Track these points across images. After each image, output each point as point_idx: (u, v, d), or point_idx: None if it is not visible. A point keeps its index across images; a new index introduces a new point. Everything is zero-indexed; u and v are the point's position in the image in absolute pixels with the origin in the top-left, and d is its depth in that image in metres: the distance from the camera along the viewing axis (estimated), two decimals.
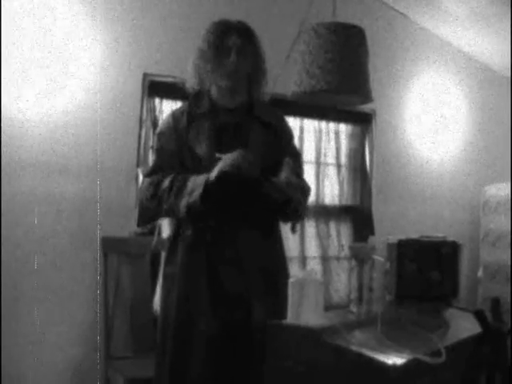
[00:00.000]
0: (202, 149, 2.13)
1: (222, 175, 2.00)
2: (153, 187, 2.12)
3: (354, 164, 4.09)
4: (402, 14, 4.17)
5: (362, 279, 2.12)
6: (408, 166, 4.31)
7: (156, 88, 3.17)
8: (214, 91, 2.23)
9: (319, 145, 3.89)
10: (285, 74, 2.84)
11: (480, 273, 4.43)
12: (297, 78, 2.38)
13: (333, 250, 3.93)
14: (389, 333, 1.75)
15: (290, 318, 1.84)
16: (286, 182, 2.02)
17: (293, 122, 3.71)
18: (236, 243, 2.11)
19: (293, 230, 2.29)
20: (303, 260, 3.80)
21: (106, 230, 2.99)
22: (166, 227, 2.98)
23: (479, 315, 1.91)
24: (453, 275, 2.44)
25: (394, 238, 2.39)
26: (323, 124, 3.91)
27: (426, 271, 2.37)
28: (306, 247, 3.82)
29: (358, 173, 4.11)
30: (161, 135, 2.24)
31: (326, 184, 3.94)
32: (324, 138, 3.91)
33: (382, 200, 4.12)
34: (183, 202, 2.04)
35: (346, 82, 2.31)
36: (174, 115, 2.24)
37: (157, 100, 3.23)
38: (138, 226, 3.08)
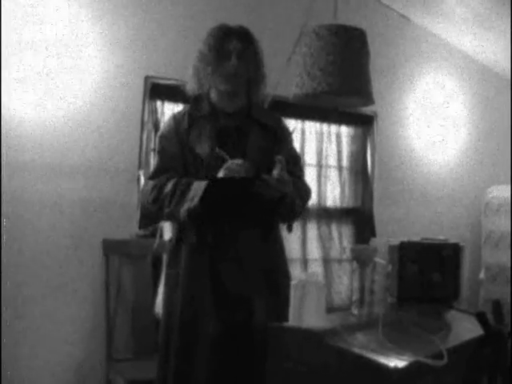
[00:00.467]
0: (203, 150, 2.15)
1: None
2: (155, 190, 2.13)
3: (355, 166, 4.09)
4: (403, 15, 4.17)
5: (364, 281, 2.12)
6: (409, 167, 4.31)
7: (158, 90, 3.18)
8: (213, 95, 2.24)
9: (320, 147, 3.90)
10: (286, 76, 2.84)
11: (482, 275, 4.42)
12: (298, 80, 2.38)
13: (334, 252, 3.93)
14: (390, 335, 1.75)
15: (292, 320, 1.84)
16: (276, 179, 2.03)
17: (294, 124, 3.72)
18: (236, 244, 2.12)
19: (289, 228, 2.28)
20: (305, 262, 3.80)
21: (108, 231, 2.99)
22: (167, 229, 2.98)
23: (481, 317, 1.91)
24: (454, 277, 2.44)
25: (395, 240, 2.38)
26: (324, 126, 3.91)
27: (427, 273, 2.37)
28: (307, 249, 3.82)
29: (360, 175, 4.11)
30: (162, 138, 2.25)
31: (327, 186, 3.93)
32: (325, 140, 3.91)
33: (384, 202, 4.12)
34: (185, 207, 2.05)
35: (348, 84, 2.31)
36: (175, 118, 2.25)
37: (158, 102, 3.23)
38: (140, 228, 3.08)
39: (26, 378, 2.83)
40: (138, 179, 3.09)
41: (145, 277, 3.02)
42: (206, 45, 2.19)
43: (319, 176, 3.88)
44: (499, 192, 4.45)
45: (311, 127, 3.85)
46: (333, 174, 3.97)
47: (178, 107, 3.07)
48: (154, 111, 3.21)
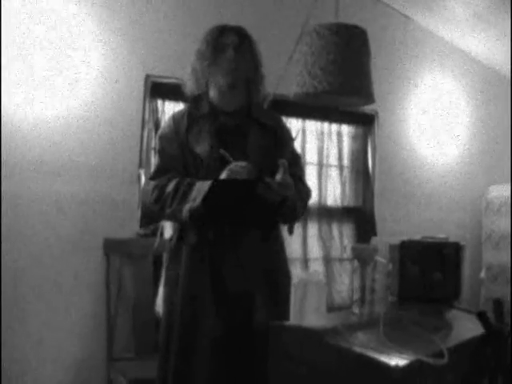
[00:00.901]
0: (202, 149, 2.15)
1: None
2: (157, 190, 2.13)
3: (356, 165, 4.09)
4: (403, 15, 4.17)
5: (365, 280, 2.13)
6: (410, 167, 4.31)
7: (158, 89, 3.18)
8: (212, 94, 2.25)
9: (321, 146, 3.89)
10: (287, 75, 2.85)
11: (482, 274, 4.42)
12: (299, 79, 2.38)
13: (335, 252, 3.93)
14: (391, 334, 1.75)
15: (293, 319, 1.84)
16: (278, 183, 2.04)
17: (295, 124, 3.72)
18: (237, 244, 2.12)
19: (290, 231, 2.30)
20: (306, 261, 3.80)
21: (109, 231, 2.99)
22: (168, 228, 2.99)
23: (482, 316, 1.90)
24: (455, 276, 2.44)
25: (396, 240, 2.39)
26: (325, 125, 3.91)
27: (428, 272, 2.37)
28: (308, 248, 3.82)
29: (361, 174, 4.10)
30: (162, 138, 2.26)
31: (328, 185, 3.93)
32: (326, 139, 3.91)
33: (385, 201, 4.12)
34: (186, 207, 2.05)
35: (348, 83, 2.32)
36: (175, 118, 2.26)
37: (159, 101, 3.23)
38: (141, 227, 3.08)
39: (27, 377, 2.83)
40: (139, 178, 3.09)
41: (146, 276, 3.02)
42: (204, 42, 2.21)
43: (320, 175, 3.88)
44: (500, 191, 4.44)
45: (312, 126, 3.85)
46: (334, 173, 3.97)
47: (178, 106, 3.07)
48: (154, 110, 3.21)
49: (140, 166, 3.11)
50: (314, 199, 3.71)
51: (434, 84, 4.45)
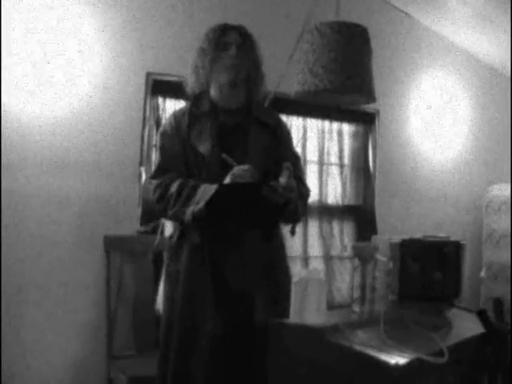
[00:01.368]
0: (204, 147, 2.15)
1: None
2: (160, 190, 2.13)
3: (357, 164, 4.09)
4: (405, 13, 4.16)
5: (365, 279, 2.13)
6: (411, 165, 4.31)
7: (159, 87, 3.17)
8: (213, 92, 2.25)
9: (322, 144, 3.89)
10: (288, 73, 2.84)
11: (483, 273, 4.43)
12: (300, 77, 2.38)
13: (336, 250, 3.93)
14: (391, 332, 1.75)
15: (293, 317, 1.84)
16: (283, 186, 2.04)
17: (296, 122, 3.72)
18: (237, 242, 2.12)
19: (292, 232, 2.33)
20: (306, 259, 3.80)
21: (109, 228, 2.99)
22: (168, 226, 2.98)
23: (482, 315, 1.91)
24: (455, 275, 2.44)
25: (396, 238, 2.39)
26: (326, 124, 3.91)
27: (428, 271, 2.37)
28: (308, 247, 3.82)
29: (361, 172, 4.10)
30: (163, 136, 2.26)
31: (329, 184, 3.93)
32: (327, 137, 3.91)
33: (385, 200, 4.12)
34: (189, 210, 2.05)
35: (350, 82, 2.31)
36: (176, 116, 2.26)
37: (160, 99, 3.23)
38: (141, 224, 3.08)
39: (27, 375, 2.84)
40: (140, 176, 3.09)
41: (146, 273, 3.02)
42: (206, 40, 2.21)
43: (321, 173, 3.88)
44: (500, 190, 4.44)
45: (313, 124, 3.85)
46: (334, 172, 3.96)
47: (179, 103, 3.06)
48: (155, 108, 3.21)
49: (141, 163, 3.11)
50: (314, 197, 3.72)
51: (436, 82, 4.44)
